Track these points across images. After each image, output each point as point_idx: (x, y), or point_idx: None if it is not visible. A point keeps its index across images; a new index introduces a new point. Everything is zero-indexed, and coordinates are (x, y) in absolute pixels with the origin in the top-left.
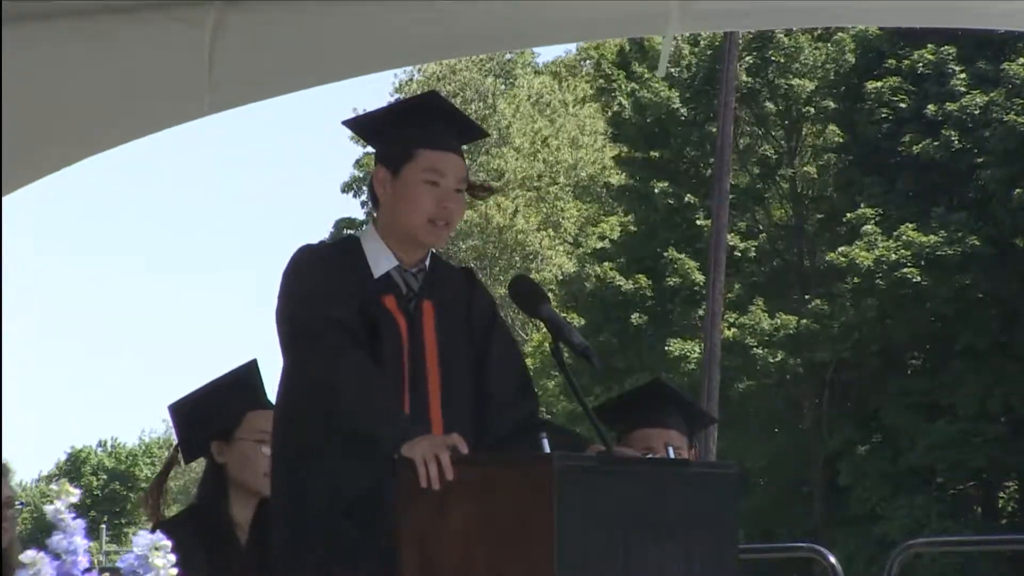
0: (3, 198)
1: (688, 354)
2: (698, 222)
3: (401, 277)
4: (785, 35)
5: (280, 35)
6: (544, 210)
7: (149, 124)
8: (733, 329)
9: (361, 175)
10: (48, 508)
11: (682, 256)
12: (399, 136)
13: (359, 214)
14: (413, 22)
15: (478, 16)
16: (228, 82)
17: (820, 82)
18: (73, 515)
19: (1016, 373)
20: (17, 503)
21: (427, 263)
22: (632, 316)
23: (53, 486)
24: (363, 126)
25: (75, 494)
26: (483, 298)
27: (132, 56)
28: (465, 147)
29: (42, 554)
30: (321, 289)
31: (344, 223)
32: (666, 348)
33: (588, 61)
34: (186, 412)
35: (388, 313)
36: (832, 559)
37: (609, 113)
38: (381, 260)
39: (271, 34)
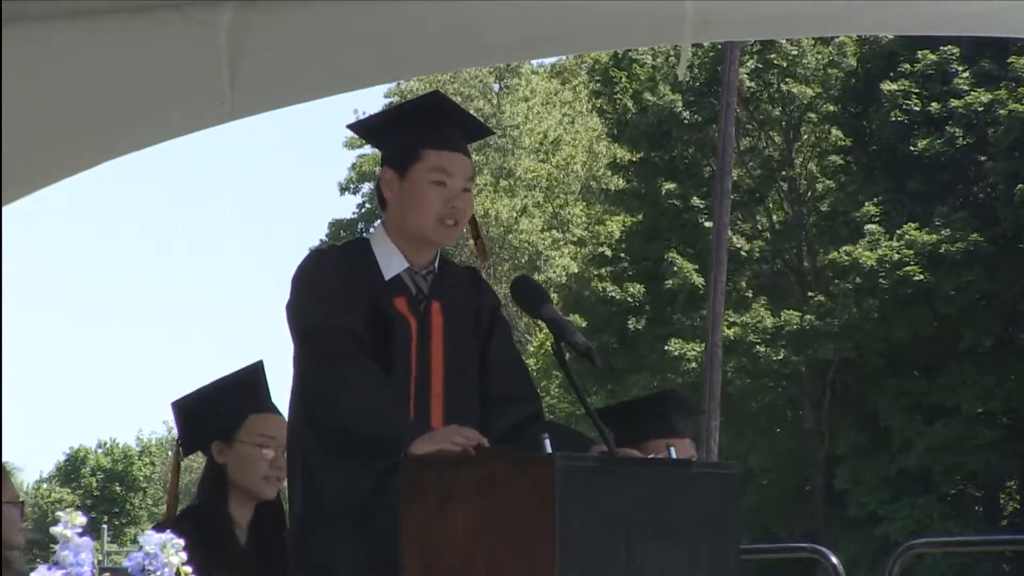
0: (7, 204)
1: (687, 353)
2: (704, 223)
3: (411, 279)
4: (787, 39)
5: (301, 38)
6: (550, 210)
7: (166, 130)
8: (735, 328)
9: (356, 176)
10: (54, 529)
11: (682, 259)
12: (404, 137)
13: (356, 214)
14: (429, 29)
15: (497, 25)
16: (251, 86)
17: (823, 85)
18: (79, 532)
19: (1018, 372)
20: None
21: (436, 264)
22: (629, 322)
23: (61, 514)
24: (367, 129)
25: (83, 524)
26: (488, 299)
27: (142, 58)
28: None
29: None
30: (329, 296)
31: (338, 224)
32: (666, 348)
33: (584, 64)
34: (189, 410)
35: (399, 315)
36: (834, 559)
37: (610, 116)
38: (392, 262)
39: (291, 37)
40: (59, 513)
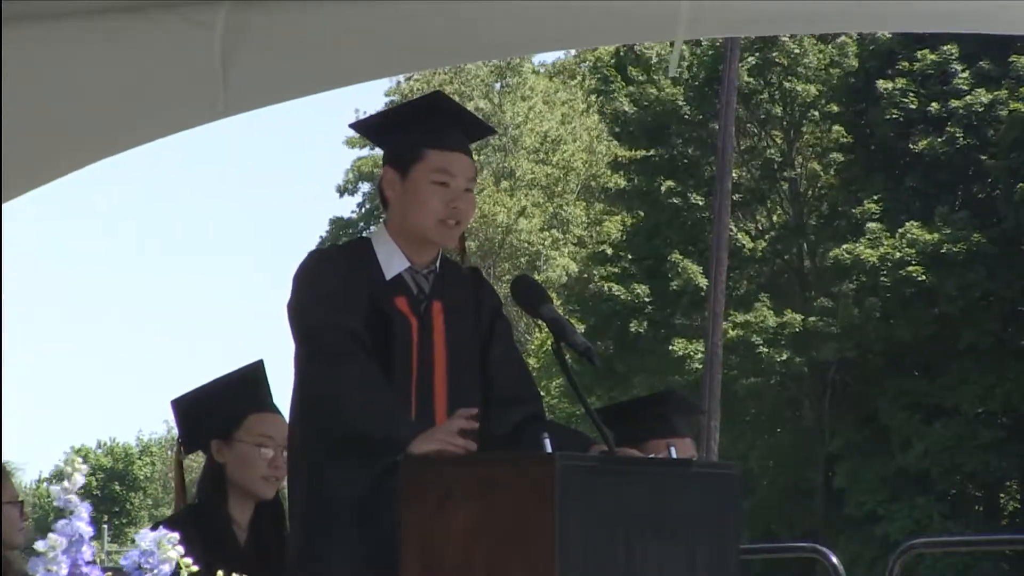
0: (6, 202)
1: (692, 354)
2: (702, 217)
3: (412, 279)
4: (789, 38)
5: (295, 37)
6: (550, 209)
7: (161, 127)
8: (737, 329)
9: (355, 177)
10: (55, 488)
11: (685, 259)
12: (406, 137)
13: (356, 213)
14: (423, 27)
15: (489, 21)
16: (244, 84)
17: (823, 84)
18: (80, 493)
19: (1018, 372)
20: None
21: (437, 264)
22: (631, 324)
23: (65, 466)
24: (369, 128)
25: (83, 469)
26: (489, 298)
27: (139, 57)
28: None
29: (61, 538)
30: (329, 296)
31: (339, 222)
32: (670, 348)
33: (585, 64)
34: (188, 409)
35: (400, 314)
36: (834, 559)
37: (608, 112)
38: (393, 262)
39: (286, 36)
40: (63, 466)
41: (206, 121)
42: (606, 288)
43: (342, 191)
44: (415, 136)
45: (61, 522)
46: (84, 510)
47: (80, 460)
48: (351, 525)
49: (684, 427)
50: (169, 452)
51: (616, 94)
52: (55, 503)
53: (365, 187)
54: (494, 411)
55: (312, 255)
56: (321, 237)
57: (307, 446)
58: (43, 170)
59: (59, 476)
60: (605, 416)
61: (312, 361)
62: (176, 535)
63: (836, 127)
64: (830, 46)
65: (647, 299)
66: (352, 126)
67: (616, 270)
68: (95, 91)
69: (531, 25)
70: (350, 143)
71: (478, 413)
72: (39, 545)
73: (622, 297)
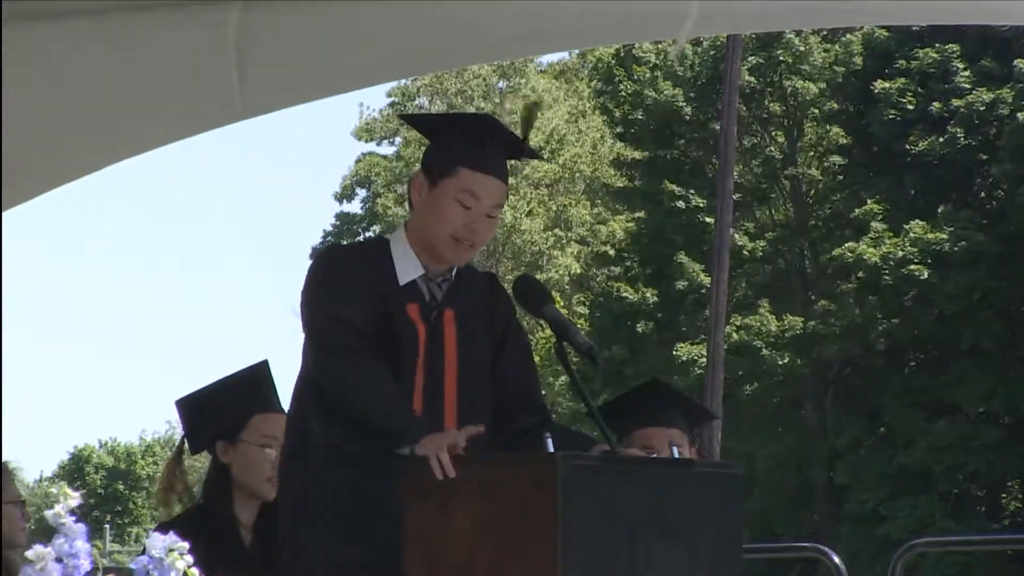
0: (10, 208)
1: (697, 358)
2: (705, 220)
3: (426, 286)
4: (795, 36)
5: (311, 37)
6: (554, 208)
7: (173, 130)
8: (741, 332)
9: (353, 182)
10: (48, 512)
11: (689, 260)
12: (446, 148)
13: (363, 209)
14: (439, 26)
15: (502, 22)
16: (261, 85)
17: (827, 84)
18: (75, 518)
19: (1021, 372)
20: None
21: (452, 273)
22: (639, 325)
23: (53, 489)
24: (419, 125)
25: (75, 497)
26: (503, 303)
27: (146, 59)
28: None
29: (48, 549)
30: (337, 292)
31: (345, 218)
32: (674, 352)
33: (587, 64)
34: (193, 409)
35: (409, 321)
36: (836, 559)
37: (614, 114)
38: (408, 267)
39: (302, 36)
40: (51, 490)
41: (223, 124)
42: (614, 289)
43: (340, 198)
44: (455, 150)
45: (58, 540)
46: (80, 531)
47: (72, 488)
48: (348, 524)
49: (670, 416)
50: (170, 452)
51: (622, 92)
52: (51, 522)
53: (363, 193)
54: (499, 420)
55: (326, 250)
56: (325, 231)
57: (306, 441)
58: (51, 176)
59: (56, 479)
60: (604, 414)
61: (316, 355)
62: (186, 544)
63: (835, 128)
64: (836, 45)
65: (652, 304)
66: (403, 117)
67: (621, 271)
68: (100, 94)
69: (538, 25)
70: (358, 134)
71: (485, 430)
72: (30, 553)
73: (633, 299)
